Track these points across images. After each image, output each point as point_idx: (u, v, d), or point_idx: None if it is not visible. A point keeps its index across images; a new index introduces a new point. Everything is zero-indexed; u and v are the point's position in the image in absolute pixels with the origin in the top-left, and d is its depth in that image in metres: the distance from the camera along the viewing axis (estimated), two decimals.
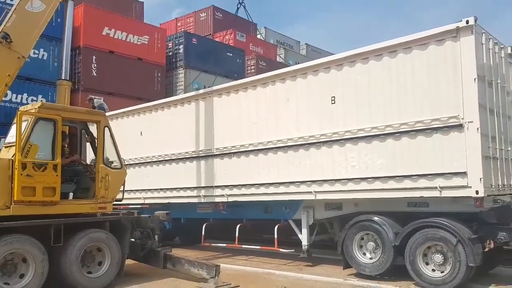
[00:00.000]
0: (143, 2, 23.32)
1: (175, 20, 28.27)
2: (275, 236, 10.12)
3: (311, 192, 9.21)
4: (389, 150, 8.21)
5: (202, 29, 26.84)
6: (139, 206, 11.73)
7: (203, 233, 11.47)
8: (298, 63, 27.76)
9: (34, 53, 15.91)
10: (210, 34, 26.29)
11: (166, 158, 12.16)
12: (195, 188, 11.46)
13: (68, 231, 7.71)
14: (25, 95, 16.33)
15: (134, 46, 19.40)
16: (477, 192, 7.19)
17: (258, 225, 11.16)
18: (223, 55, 22.48)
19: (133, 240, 8.88)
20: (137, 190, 12.34)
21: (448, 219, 7.64)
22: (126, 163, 9.88)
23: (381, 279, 8.29)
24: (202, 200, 11.34)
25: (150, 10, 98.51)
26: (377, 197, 8.33)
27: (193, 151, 11.50)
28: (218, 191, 10.93)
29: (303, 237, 9.74)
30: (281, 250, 10.15)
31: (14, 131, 7.66)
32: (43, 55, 16.74)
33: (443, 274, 7.58)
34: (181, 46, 21.02)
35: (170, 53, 21.16)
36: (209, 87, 12.91)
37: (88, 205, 8.25)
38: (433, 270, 7.72)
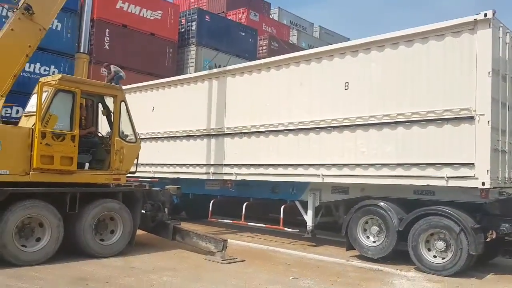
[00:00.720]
0: None
1: None
2: (281, 215, 10.31)
3: (319, 175, 9.36)
4: (399, 138, 8.32)
5: (215, 6, 26.58)
6: (149, 179, 11.94)
7: (210, 209, 11.68)
8: (311, 45, 27.71)
9: None
10: (223, 12, 26.05)
11: (177, 135, 12.35)
12: (204, 165, 11.64)
13: (83, 200, 7.96)
14: (37, 65, 16.34)
15: (147, 21, 19.31)
16: (483, 183, 7.32)
17: (264, 205, 11.33)
18: (235, 34, 22.29)
19: (144, 212, 9.11)
20: (146, 164, 12.50)
21: (452, 208, 7.79)
22: None
23: (383, 262, 8.49)
24: (211, 177, 11.53)
25: None
26: (384, 183, 8.48)
27: (204, 129, 11.66)
28: (227, 169, 11.11)
29: (309, 218, 9.94)
30: (286, 229, 10.34)
31: (34, 101, 7.85)
32: (57, 26, 16.69)
33: (444, 260, 7.79)
34: (194, 23, 20.85)
35: (183, 30, 21.03)
36: (220, 66, 12.94)
37: (103, 175, 8.48)
38: (435, 256, 7.92)
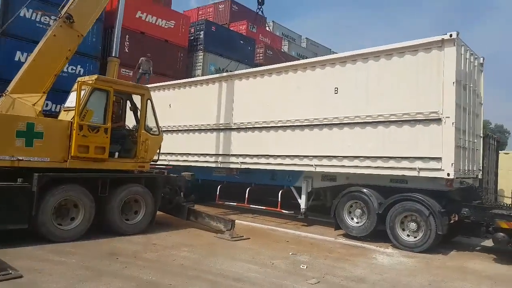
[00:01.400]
0: None
1: (197, 9, 28.23)
2: (279, 199, 10.57)
3: (312, 165, 9.68)
4: (379, 135, 8.63)
5: (220, 18, 26.75)
6: (164, 166, 12.11)
7: (217, 193, 11.90)
8: (300, 54, 28.22)
9: None
10: (226, 23, 26.22)
11: (190, 128, 12.58)
12: (213, 155, 11.89)
13: (112, 184, 8.06)
14: (66, 65, 16.46)
15: (162, 29, 19.41)
16: (448, 174, 7.69)
17: (264, 189, 11.54)
18: (236, 43, 22.55)
19: (163, 195, 9.25)
20: (162, 153, 12.67)
21: (423, 195, 8.14)
22: None
23: (365, 240, 8.81)
24: (219, 165, 11.78)
25: None
26: (366, 173, 8.80)
27: (214, 124, 11.91)
28: (233, 159, 11.37)
29: (302, 201, 10.25)
30: (283, 211, 10.61)
31: (73, 97, 7.95)
32: None
33: (416, 239, 8.15)
34: (202, 32, 21.06)
35: (192, 38, 21.19)
36: (225, 70, 13.06)
37: (130, 163, 8.62)
38: (408, 235, 8.29)
